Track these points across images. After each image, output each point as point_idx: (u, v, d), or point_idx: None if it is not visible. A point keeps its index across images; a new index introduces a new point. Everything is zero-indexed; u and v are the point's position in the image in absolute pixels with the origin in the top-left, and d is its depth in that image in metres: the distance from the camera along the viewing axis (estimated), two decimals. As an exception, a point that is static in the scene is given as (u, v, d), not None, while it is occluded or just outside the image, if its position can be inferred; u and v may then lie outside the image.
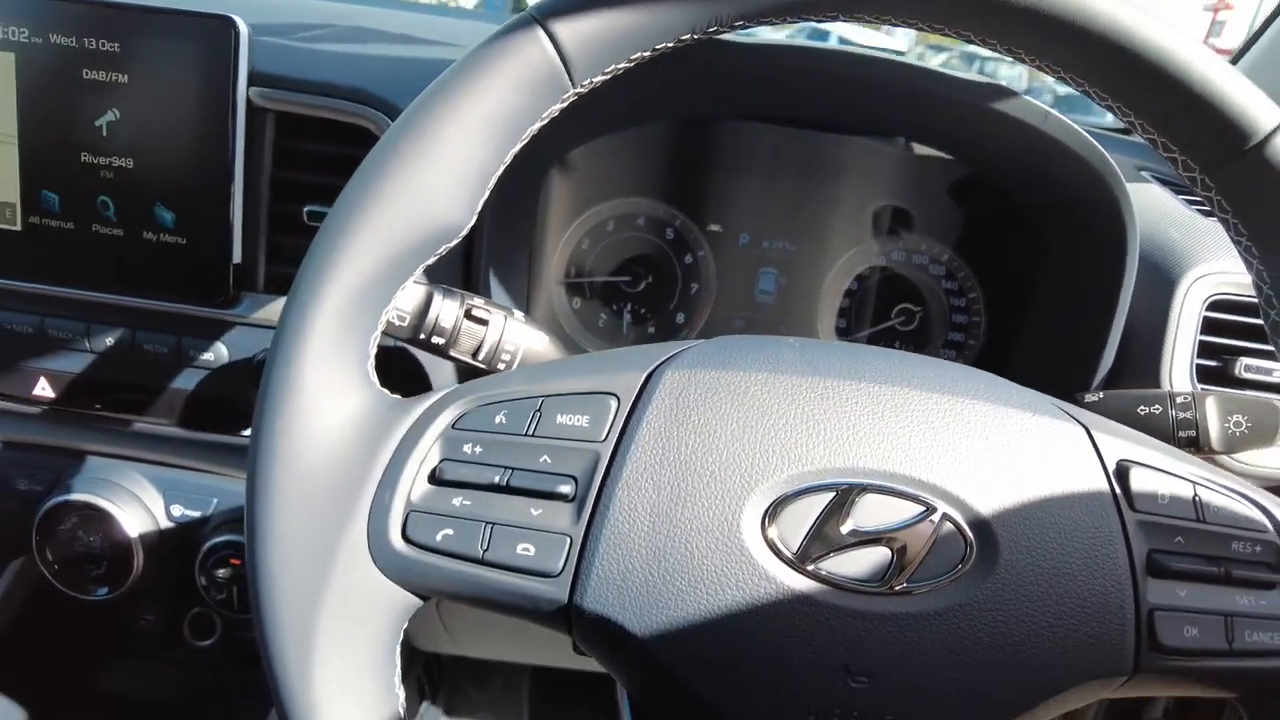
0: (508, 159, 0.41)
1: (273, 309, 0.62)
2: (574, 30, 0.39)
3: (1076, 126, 0.63)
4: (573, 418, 0.39)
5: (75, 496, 0.70)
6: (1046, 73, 0.41)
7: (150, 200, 0.60)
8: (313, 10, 0.78)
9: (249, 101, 0.59)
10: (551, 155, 0.71)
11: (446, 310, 0.48)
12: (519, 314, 0.52)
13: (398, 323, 0.46)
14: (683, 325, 0.83)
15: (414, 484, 0.38)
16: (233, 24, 0.58)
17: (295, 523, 0.37)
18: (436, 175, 0.39)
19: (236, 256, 0.61)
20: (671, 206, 0.82)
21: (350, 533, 0.37)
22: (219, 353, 0.64)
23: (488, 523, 0.37)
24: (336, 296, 0.38)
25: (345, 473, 0.38)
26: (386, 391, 0.40)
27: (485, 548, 0.37)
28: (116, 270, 0.62)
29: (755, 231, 0.83)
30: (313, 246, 0.39)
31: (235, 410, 0.65)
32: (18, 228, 0.62)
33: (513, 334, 0.51)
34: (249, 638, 0.91)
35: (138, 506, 0.71)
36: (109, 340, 0.64)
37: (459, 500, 0.38)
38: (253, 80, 0.59)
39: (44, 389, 0.67)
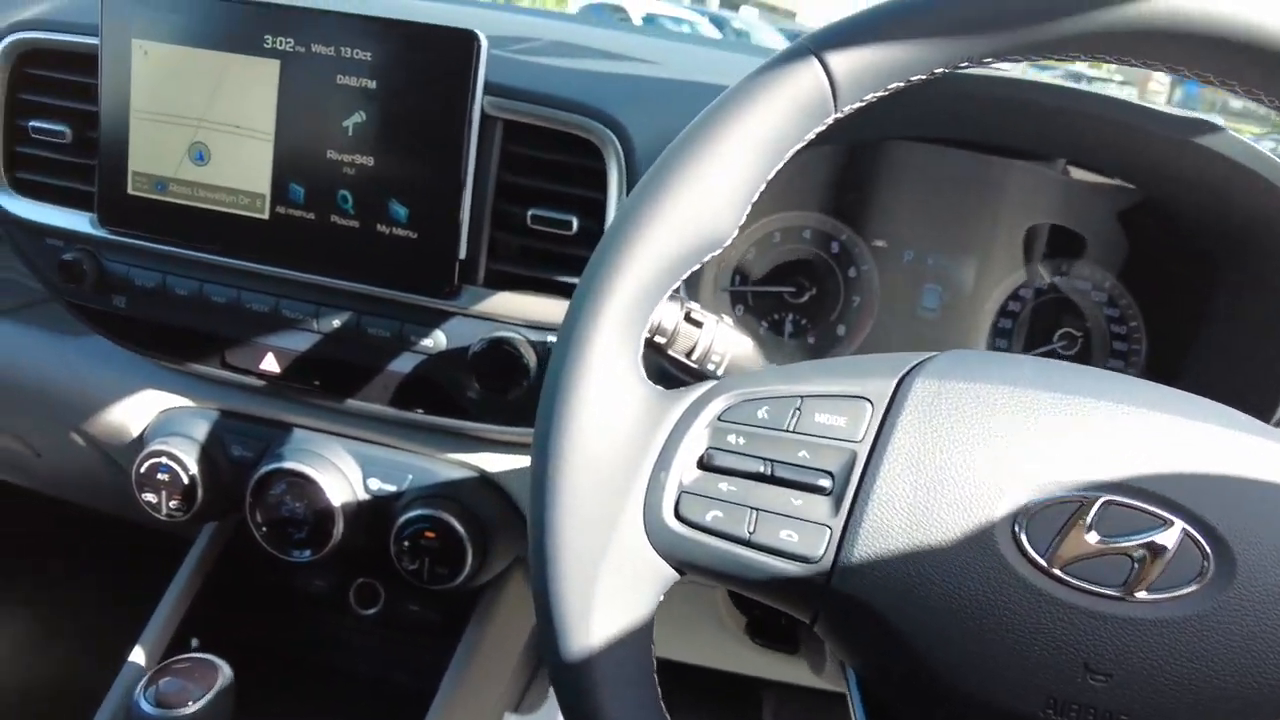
0: (770, 176, 0.45)
1: (491, 302, 0.67)
2: (845, 60, 0.43)
3: (1266, 152, 0.64)
4: (831, 418, 0.42)
5: (286, 464, 0.76)
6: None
7: (386, 196, 0.66)
8: (541, 28, 0.84)
9: (482, 109, 0.64)
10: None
11: (669, 312, 0.52)
12: (727, 319, 0.56)
13: None
14: (843, 338, 0.85)
15: (685, 468, 0.42)
16: (475, 38, 0.63)
17: (583, 493, 0.41)
18: (712, 190, 0.43)
19: (461, 252, 0.66)
20: (838, 221, 0.85)
21: (629, 507, 0.42)
22: (437, 340, 0.69)
23: (753, 508, 0.41)
24: (621, 297, 0.42)
25: (626, 454, 0.42)
26: (651, 383, 0.44)
27: (752, 530, 0.41)
28: (350, 259, 0.68)
29: (920, 248, 0.85)
30: (601, 249, 0.43)
31: (446, 394, 0.71)
32: (265, 216, 0.69)
33: (723, 338, 0.54)
34: (411, 609, 0.97)
35: (339, 477, 0.77)
36: (336, 322, 0.70)
37: (725, 485, 0.42)
38: (486, 89, 0.64)
39: (271, 364, 0.73)
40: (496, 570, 0.79)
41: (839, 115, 0.45)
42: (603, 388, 0.42)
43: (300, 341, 0.72)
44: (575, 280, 0.68)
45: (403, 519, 0.74)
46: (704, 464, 0.42)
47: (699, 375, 0.54)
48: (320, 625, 0.98)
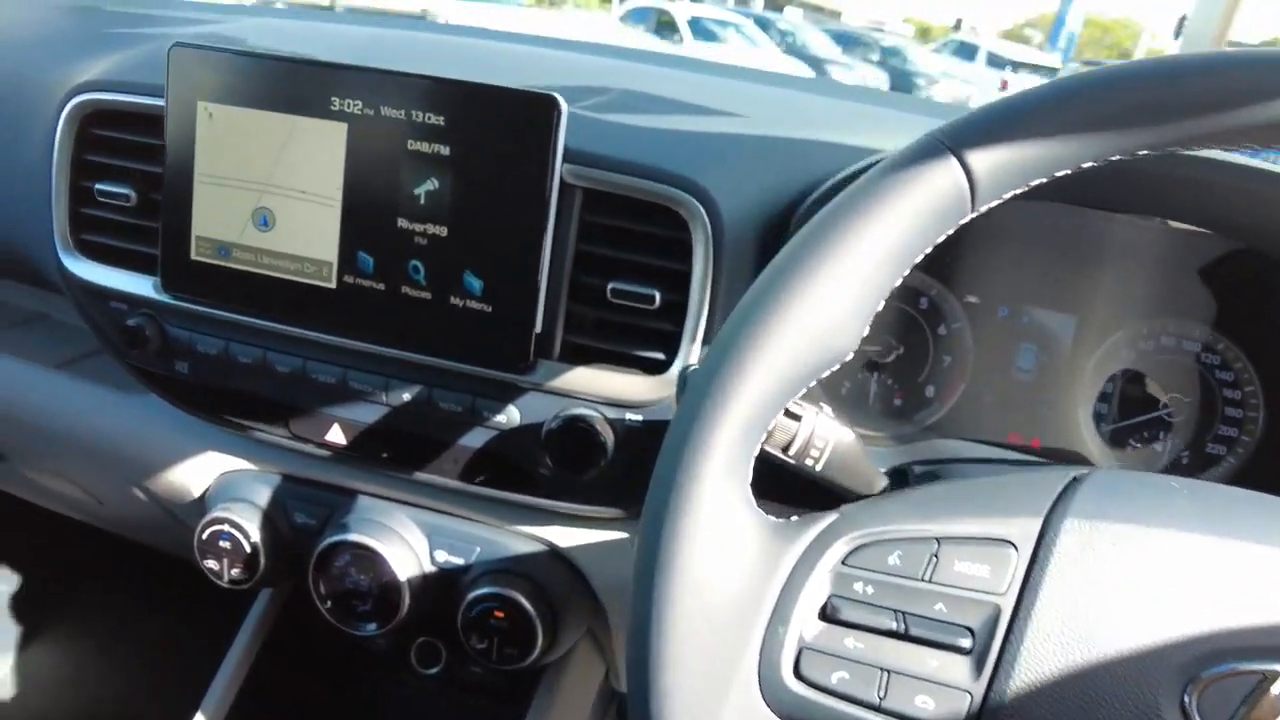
0: (899, 281, 0.40)
1: (567, 378, 0.64)
2: (986, 159, 0.38)
3: None
4: (971, 566, 0.37)
5: (350, 536, 0.73)
6: None
7: (460, 267, 0.63)
8: (624, 76, 0.79)
9: (560, 178, 0.60)
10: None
11: None
12: (826, 408, 0.52)
13: None
14: (933, 399, 0.80)
15: (806, 620, 0.38)
16: (555, 103, 0.59)
17: (692, 648, 0.37)
18: (836, 302, 0.39)
19: (538, 326, 0.63)
20: (926, 275, 0.80)
21: (743, 663, 0.37)
22: (510, 416, 0.65)
23: (884, 669, 0.37)
24: (732, 422, 0.38)
25: (740, 602, 0.38)
26: (762, 512, 0.40)
27: (882, 695, 0.37)
28: (422, 331, 0.65)
29: (1015, 305, 0.79)
30: (711, 368, 0.39)
31: (518, 470, 0.67)
32: (332, 285, 0.66)
33: (822, 429, 0.50)
34: (473, 670, 0.94)
35: (405, 549, 0.74)
36: (406, 396, 0.67)
37: (852, 641, 0.38)
38: (565, 156, 0.60)
39: (337, 435, 0.71)
40: (566, 647, 0.75)
41: (974, 214, 0.40)
42: (714, 525, 0.38)
43: (368, 413, 0.69)
44: (658, 355, 0.65)
45: (471, 596, 0.71)
46: (827, 615, 0.38)
47: (795, 470, 0.50)
48: (381, 685, 0.95)
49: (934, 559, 0.38)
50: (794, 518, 0.41)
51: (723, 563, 0.37)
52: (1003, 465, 0.71)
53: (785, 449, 0.50)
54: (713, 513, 0.38)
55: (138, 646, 1.53)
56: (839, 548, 0.39)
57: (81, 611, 1.56)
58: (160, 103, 0.66)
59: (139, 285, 0.72)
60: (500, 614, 0.71)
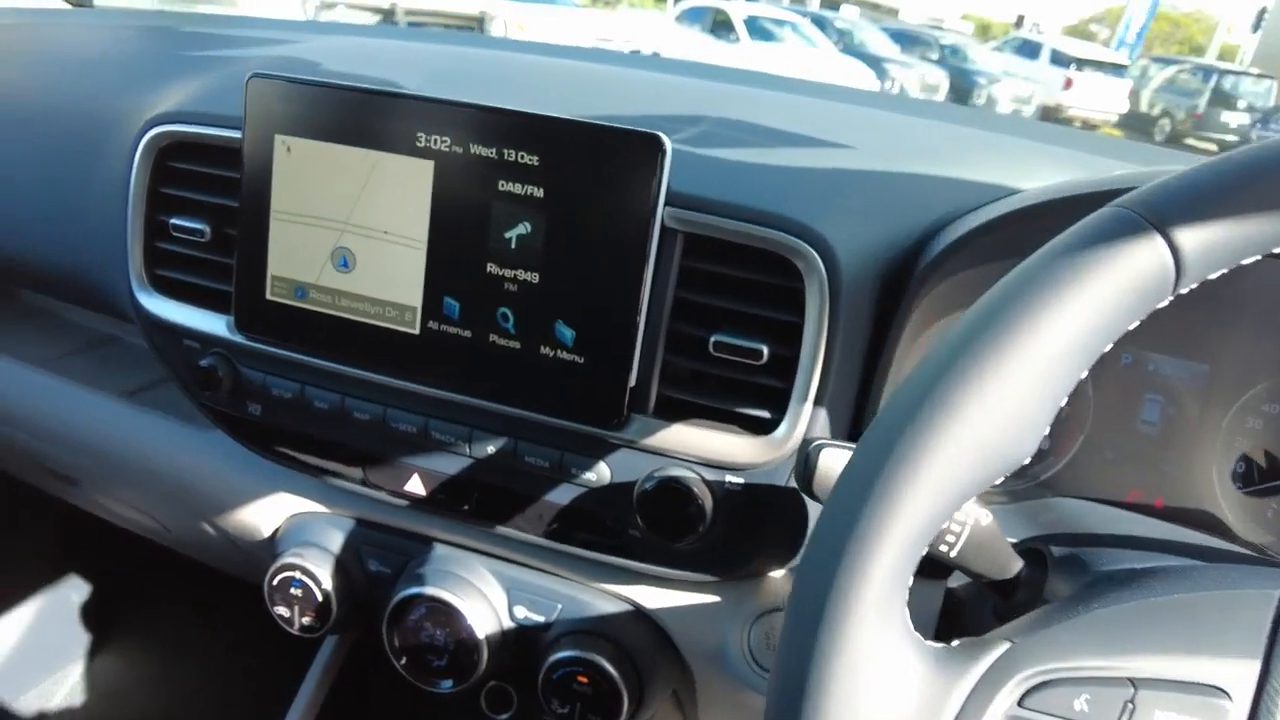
0: (1084, 374, 0.35)
1: (663, 435, 0.59)
2: (1196, 236, 0.33)
3: None
4: (1176, 718, 0.32)
5: (426, 590, 0.70)
6: None
7: (552, 316, 0.59)
8: (717, 100, 0.74)
9: (661, 222, 0.56)
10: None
11: None
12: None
13: None
14: (1048, 453, 0.74)
15: None
16: (660, 143, 0.54)
17: None
18: (1020, 400, 0.33)
19: (633, 379, 0.58)
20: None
21: None
22: (600, 473, 0.61)
23: None
24: (894, 541, 0.33)
25: None
26: (920, 637, 0.35)
27: None
28: (508, 383, 0.61)
29: (1139, 350, 0.72)
30: (867, 472, 0.34)
31: (607, 530, 0.63)
32: (415, 331, 0.62)
33: (961, 511, 0.44)
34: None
35: (484, 604, 0.70)
36: (490, 449, 0.63)
37: None
38: (666, 199, 0.55)
39: (416, 486, 0.67)
40: (650, 713, 0.71)
41: (1172, 297, 0.34)
42: (871, 664, 0.32)
43: (449, 465, 0.66)
44: (763, 414, 0.60)
45: (553, 659, 0.67)
46: None
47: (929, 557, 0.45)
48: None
49: (1129, 707, 0.32)
50: (956, 643, 0.36)
51: (882, 705, 0.32)
52: (1151, 543, 0.65)
53: None
54: (869, 649, 0.33)
55: (202, 664, 1.53)
56: (1014, 686, 0.33)
57: (149, 625, 1.57)
58: (237, 135, 0.63)
59: (213, 324, 0.69)
60: (584, 679, 0.67)
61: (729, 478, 0.59)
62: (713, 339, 0.57)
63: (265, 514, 0.78)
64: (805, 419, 0.57)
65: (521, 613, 0.71)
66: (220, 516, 0.81)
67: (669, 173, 0.55)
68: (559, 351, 0.59)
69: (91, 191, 0.74)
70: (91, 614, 1.51)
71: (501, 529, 0.66)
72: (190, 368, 0.69)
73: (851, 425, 0.60)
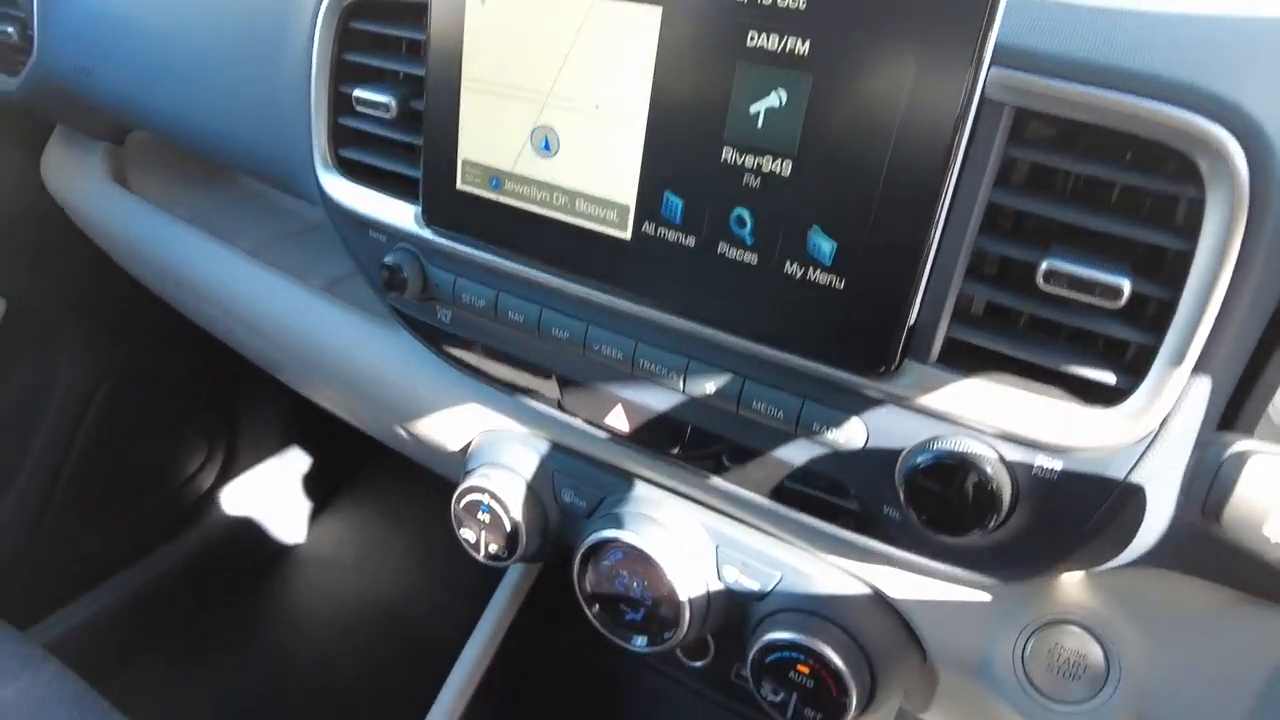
0: None
1: (948, 393, 0.43)
2: None
3: None
4: None
5: (624, 536, 0.60)
6: None
7: (806, 222, 0.43)
8: None
9: (983, 89, 0.38)
10: None
11: None
12: None
13: None
14: None
15: None
16: (990, -26, 0.36)
17: None
18: None
19: (913, 315, 0.42)
20: None
21: None
22: (852, 434, 0.47)
23: None
24: None
25: None
26: None
27: None
28: (740, 307, 0.47)
29: None
30: None
31: (854, 504, 0.49)
32: (627, 235, 0.49)
33: None
34: (743, 675, 0.80)
35: (689, 560, 0.59)
36: (709, 387, 0.50)
37: None
38: (992, 56, 0.38)
39: (619, 420, 0.56)
40: (879, 714, 0.58)
41: None
42: None
43: (659, 400, 0.54)
44: (1106, 377, 0.41)
45: (768, 638, 0.55)
46: None
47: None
48: (641, 676, 0.85)
49: None
50: None
51: None
52: None
53: None
54: None
55: (410, 537, 1.58)
56: None
57: (368, 499, 1.64)
58: (429, -15, 0.52)
59: (399, 215, 0.59)
60: (804, 669, 0.55)
61: (1040, 460, 0.43)
62: (1045, 264, 0.39)
63: (456, 426, 0.71)
64: (1175, 392, 0.39)
65: (732, 575, 0.59)
66: (411, 423, 0.75)
67: (1000, 15, 0.37)
68: (812, 270, 0.44)
69: (282, 67, 0.66)
70: (312, 486, 1.60)
71: (716, 481, 0.54)
72: (376, 264, 0.61)
73: (1227, 407, 0.41)
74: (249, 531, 1.52)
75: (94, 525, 1.31)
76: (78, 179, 1.00)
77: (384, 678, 1.36)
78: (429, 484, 1.39)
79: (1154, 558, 0.45)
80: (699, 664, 0.82)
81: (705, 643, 0.81)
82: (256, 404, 1.50)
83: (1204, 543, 0.44)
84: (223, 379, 1.42)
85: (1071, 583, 0.51)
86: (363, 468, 1.67)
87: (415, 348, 0.71)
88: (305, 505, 1.60)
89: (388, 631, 1.44)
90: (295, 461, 1.58)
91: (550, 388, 0.59)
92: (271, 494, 1.55)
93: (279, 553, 1.55)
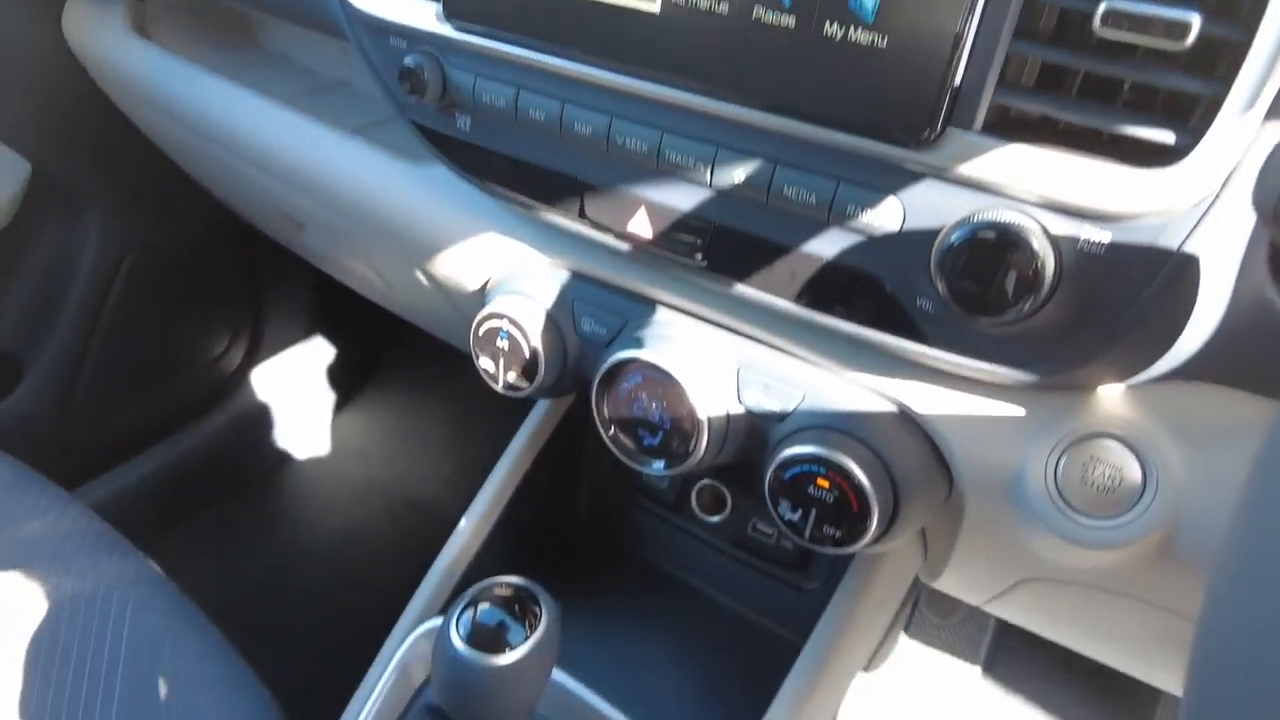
0: None
1: (991, 161, 0.41)
2: None
3: None
4: None
5: (644, 355, 0.58)
6: None
7: (847, -24, 0.41)
8: None
9: None
10: None
11: None
12: None
13: None
14: None
15: None
16: None
17: None
18: None
19: (959, 75, 0.40)
20: None
21: None
22: (888, 214, 0.44)
23: None
24: None
25: None
26: None
27: None
28: (775, 79, 0.44)
29: None
30: None
31: (888, 296, 0.47)
32: (655, 8, 0.47)
33: None
34: (760, 530, 0.80)
35: (708, 381, 0.58)
36: (738, 175, 0.48)
37: None
38: None
39: (641, 224, 0.54)
40: (898, 540, 0.57)
41: None
42: None
43: (684, 198, 0.52)
44: (1164, 135, 0.39)
45: (788, 453, 0.54)
46: None
47: None
48: (658, 528, 0.84)
49: None
50: None
51: None
52: None
53: None
54: None
55: (434, 428, 1.59)
56: None
57: (388, 385, 1.65)
58: None
59: (420, 15, 0.57)
60: (824, 482, 0.53)
61: (1087, 231, 0.40)
62: (1102, 6, 0.36)
63: (477, 259, 0.70)
64: (1242, 147, 0.36)
65: (753, 398, 0.58)
66: (433, 261, 0.74)
67: None
68: (852, 29, 0.41)
69: None
70: (336, 376, 1.61)
71: (741, 287, 0.52)
72: (396, 70, 0.59)
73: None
74: (274, 417, 1.54)
75: (122, 400, 1.33)
76: (100, 31, 0.98)
77: (404, 566, 1.38)
78: (453, 378, 1.39)
79: (1199, 365, 0.43)
80: (716, 519, 0.81)
81: (723, 497, 0.81)
82: (282, 290, 1.50)
83: (1256, 346, 0.41)
84: (247, 263, 1.43)
85: (1111, 397, 0.49)
86: (386, 360, 1.68)
87: (438, 181, 0.70)
88: (330, 395, 1.61)
89: (410, 521, 1.46)
90: (320, 351, 1.59)
91: (572, 197, 0.57)
92: (297, 381, 1.56)
93: (303, 441, 1.57)
